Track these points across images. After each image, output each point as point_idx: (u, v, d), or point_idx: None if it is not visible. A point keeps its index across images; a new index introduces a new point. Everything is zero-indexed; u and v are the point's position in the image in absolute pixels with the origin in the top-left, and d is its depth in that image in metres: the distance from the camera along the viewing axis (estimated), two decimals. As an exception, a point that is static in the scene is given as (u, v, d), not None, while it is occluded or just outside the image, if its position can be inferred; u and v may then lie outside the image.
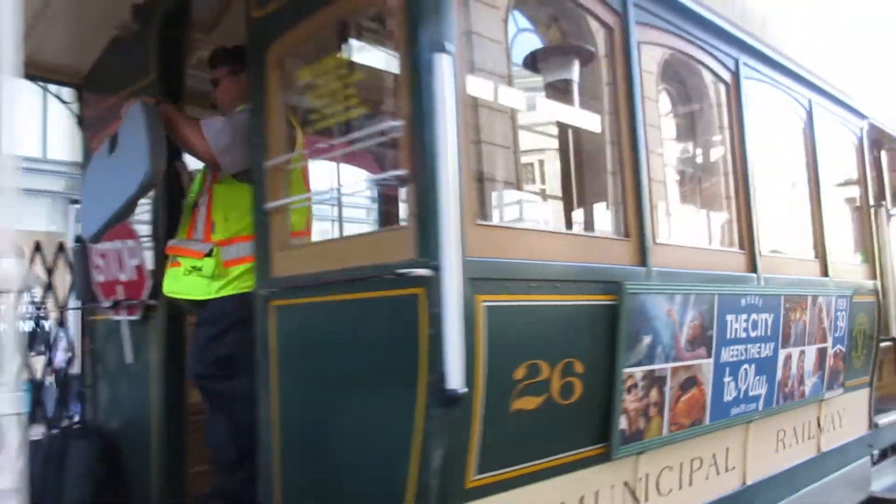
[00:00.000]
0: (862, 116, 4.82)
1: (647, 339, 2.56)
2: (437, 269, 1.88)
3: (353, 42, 2.64)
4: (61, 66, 3.62)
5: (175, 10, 3.12)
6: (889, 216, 5.14)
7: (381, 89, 2.68)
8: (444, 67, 1.88)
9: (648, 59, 2.83)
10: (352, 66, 2.44)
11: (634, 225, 2.63)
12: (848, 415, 4.33)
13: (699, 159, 3.60)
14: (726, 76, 3.35)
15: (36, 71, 3.56)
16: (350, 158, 3.57)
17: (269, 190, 2.47)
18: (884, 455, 4.93)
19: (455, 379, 1.82)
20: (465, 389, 1.85)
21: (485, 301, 1.98)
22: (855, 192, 4.82)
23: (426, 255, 1.94)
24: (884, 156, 5.30)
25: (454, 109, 1.90)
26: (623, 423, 2.48)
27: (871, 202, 4.81)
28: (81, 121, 3.74)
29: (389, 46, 2.36)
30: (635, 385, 2.52)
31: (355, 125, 2.35)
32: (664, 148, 3.01)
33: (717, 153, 3.40)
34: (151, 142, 2.57)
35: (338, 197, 4.44)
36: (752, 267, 3.29)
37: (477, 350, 1.93)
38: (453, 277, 1.84)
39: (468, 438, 1.98)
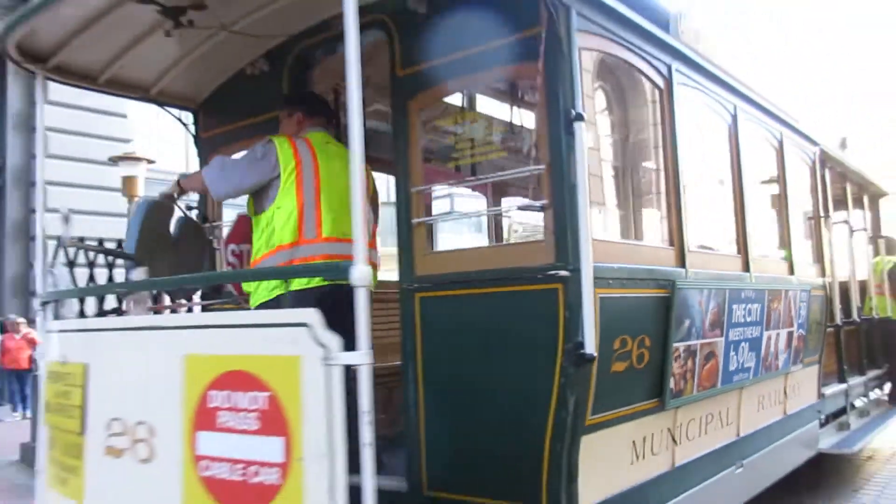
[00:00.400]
0: (815, 143, 5.91)
1: (686, 322, 3.48)
2: (574, 270, 2.72)
3: (489, 98, 3.44)
4: (183, 94, 4.27)
5: (305, 56, 3.85)
6: (832, 224, 6.26)
7: (512, 137, 3.50)
8: (582, 132, 2.72)
9: (686, 116, 3.73)
10: (489, 118, 3.25)
11: (677, 237, 3.54)
12: (803, 386, 5.38)
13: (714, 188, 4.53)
14: (772, 140, 4.33)
15: (161, 97, 4.22)
16: (478, 188, 4.37)
17: (414, 209, 3.26)
18: (827, 420, 6.04)
19: (590, 347, 2.67)
20: (595, 354, 2.70)
21: (600, 294, 2.83)
22: (809, 205, 5.90)
23: (563, 261, 2.77)
24: (827, 174, 6.38)
25: (585, 158, 2.75)
26: (671, 383, 3.39)
27: (822, 213, 5.91)
28: (197, 140, 4.42)
29: (523, 106, 3.17)
30: (679, 356, 3.43)
31: (487, 164, 3.17)
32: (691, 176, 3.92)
33: (725, 183, 4.34)
34: (138, 236, 3.53)
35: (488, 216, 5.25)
36: (746, 268, 4.26)
37: (596, 328, 2.77)
38: (588, 277, 2.69)
39: (588, 389, 2.83)
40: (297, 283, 3.18)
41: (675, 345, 3.37)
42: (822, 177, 6.00)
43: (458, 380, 3.05)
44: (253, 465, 2.26)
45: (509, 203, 5.10)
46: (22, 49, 3.45)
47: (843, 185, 7.05)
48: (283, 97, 3.79)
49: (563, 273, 2.76)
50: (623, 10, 3.13)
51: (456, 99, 3.36)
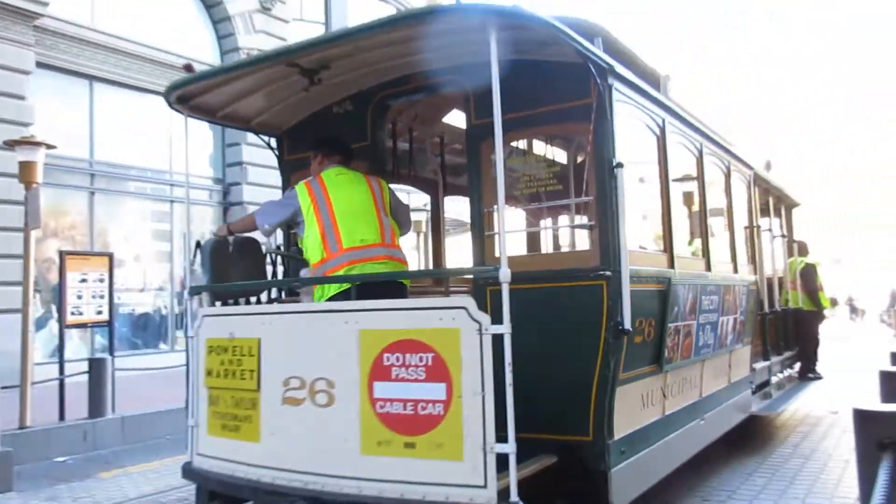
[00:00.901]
0: (750, 168, 7.38)
1: (676, 309, 4.75)
2: (615, 272, 3.91)
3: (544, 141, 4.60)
4: (273, 123, 5.25)
5: (385, 101, 4.91)
6: (761, 232, 7.77)
7: (561, 174, 4.68)
8: (622, 175, 3.93)
9: (673, 156, 5.01)
10: (547, 159, 4.42)
11: (668, 246, 4.80)
12: (741, 361, 6.81)
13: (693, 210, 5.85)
14: (723, 168, 5.68)
15: (257, 126, 5.19)
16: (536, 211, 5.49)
17: (486, 224, 4.38)
18: (756, 389, 7.50)
19: (628, 324, 3.86)
20: (631, 329, 3.90)
21: (630, 288, 4.02)
22: (745, 217, 7.34)
23: (606, 265, 3.96)
24: (756, 191, 7.86)
25: (624, 194, 3.95)
26: (666, 353, 4.65)
27: (754, 224, 7.38)
28: (281, 161, 5.39)
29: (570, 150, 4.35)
30: (671, 333, 4.69)
31: (546, 194, 4.34)
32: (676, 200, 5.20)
33: (694, 203, 5.66)
34: (211, 266, 4.68)
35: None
36: (709, 268, 5.59)
37: (627, 309, 3.97)
38: (626, 276, 3.89)
39: (622, 354, 4.02)
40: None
41: (669, 325, 4.64)
42: (754, 194, 7.47)
43: (524, 351, 4.15)
44: (421, 403, 3.33)
45: (545, 222, 6.38)
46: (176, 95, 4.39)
47: (767, 199, 8.60)
48: (312, 142, 4.82)
49: (608, 273, 3.95)
50: (642, 84, 4.35)
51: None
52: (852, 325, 30.67)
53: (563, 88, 4.13)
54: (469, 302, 3.30)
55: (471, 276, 4.93)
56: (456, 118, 5.68)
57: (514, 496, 3.17)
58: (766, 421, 7.72)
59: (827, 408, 8.56)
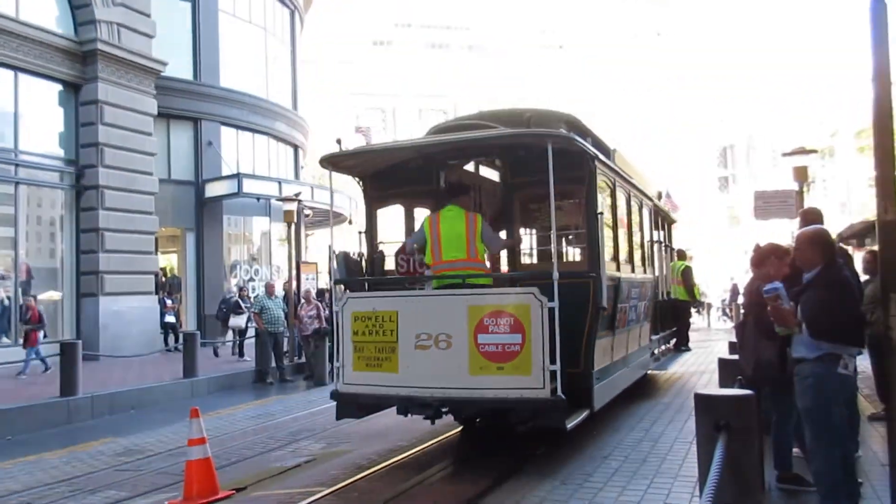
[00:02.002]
0: (652, 200, 10.61)
1: (623, 295, 7.73)
2: (597, 274, 6.78)
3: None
4: (363, 170, 7.76)
5: (447, 159, 7.57)
6: (654, 245, 11.03)
7: (563, 214, 7.55)
8: (602, 219, 6.84)
9: (619, 202, 8.03)
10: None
11: (616, 258, 7.79)
12: (645, 333, 9.95)
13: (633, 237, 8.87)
14: (639, 203, 8.79)
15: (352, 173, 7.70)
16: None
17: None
18: (651, 355, 10.76)
19: (604, 304, 6.75)
20: (607, 307, 6.82)
21: (606, 283, 6.93)
22: (649, 234, 10.56)
23: (594, 270, 6.82)
24: (654, 216, 11.11)
25: (602, 230, 6.87)
26: (616, 323, 7.61)
27: (653, 239, 10.62)
28: (366, 196, 7.92)
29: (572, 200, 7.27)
30: (619, 311, 7.67)
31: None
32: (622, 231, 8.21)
33: (637, 233, 8.74)
34: (341, 273, 7.25)
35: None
36: (633, 271, 8.65)
37: (604, 298, 6.86)
38: (604, 277, 6.80)
39: (598, 322, 6.85)
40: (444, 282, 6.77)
41: (619, 305, 7.60)
42: (652, 217, 10.71)
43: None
44: (507, 345, 5.97)
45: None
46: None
47: (658, 219, 11.91)
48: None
49: (593, 275, 6.81)
50: (606, 161, 7.30)
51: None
52: (697, 317, 34.63)
53: (565, 165, 6.88)
54: (535, 290, 6.02)
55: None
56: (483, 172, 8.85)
57: (559, 392, 5.91)
58: (656, 378, 11.04)
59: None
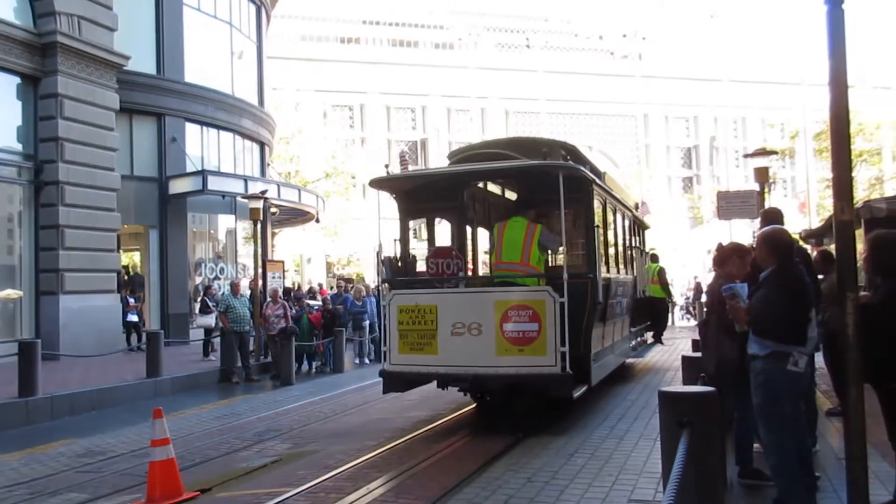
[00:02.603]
0: (632, 211, 11.12)
1: (612, 293, 8.39)
2: (594, 275, 7.49)
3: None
4: (397, 188, 8.93)
5: (471, 182, 8.94)
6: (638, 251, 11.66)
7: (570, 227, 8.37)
8: (598, 231, 7.77)
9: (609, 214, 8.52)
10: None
11: (607, 261, 8.27)
12: (626, 325, 10.58)
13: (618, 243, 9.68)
14: (622, 214, 9.67)
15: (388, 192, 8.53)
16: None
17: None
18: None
19: (600, 299, 7.40)
20: (602, 302, 7.34)
21: (601, 282, 7.37)
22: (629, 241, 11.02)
23: (591, 271, 7.54)
24: (633, 224, 11.57)
25: (598, 239, 7.70)
26: (607, 315, 8.33)
27: (633, 244, 11.16)
28: (400, 210, 9.06)
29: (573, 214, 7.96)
30: (609, 305, 8.28)
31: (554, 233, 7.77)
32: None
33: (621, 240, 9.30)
34: (387, 274, 8.58)
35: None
36: (619, 272, 9.07)
37: (601, 294, 7.33)
38: (600, 277, 7.39)
39: (595, 314, 7.69)
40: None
41: (609, 301, 8.30)
42: (632, 226, 11.39)
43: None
44: (526, 332, 7.27)
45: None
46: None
47: (635, 227, 12.52)
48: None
49: (591, 275, 7.48)
50: (600, 182, 8.24)
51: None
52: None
53: (569, 187, 7.57)
54: (549, 288, 7.35)
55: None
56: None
57: (567, 369, 7.16)
58: (635, 364, 11.71)
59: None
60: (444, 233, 10.46)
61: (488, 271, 8.96)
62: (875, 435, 3.96)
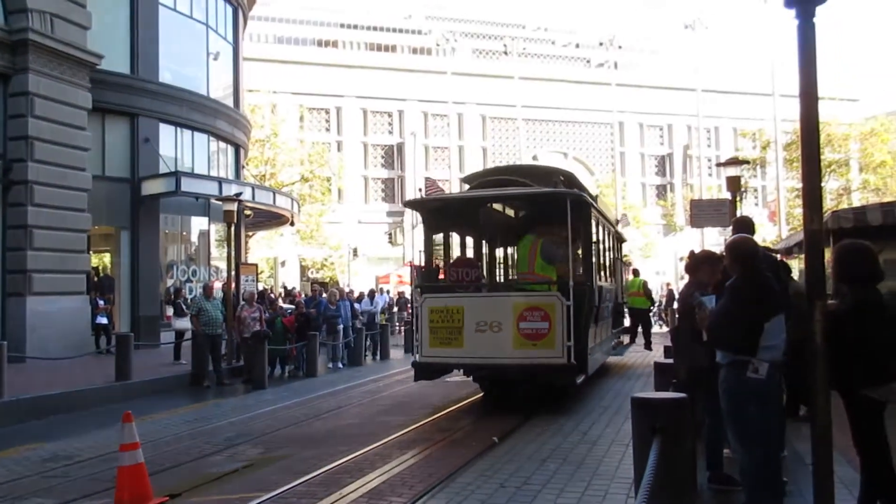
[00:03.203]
0: (613, 226, 11.73)
1: (600, 297, 9.14)
2: (591, 282, 8.98)
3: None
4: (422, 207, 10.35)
5: (485, 203, 10.15)
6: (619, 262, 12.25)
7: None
8: (595, 247, 8.77)
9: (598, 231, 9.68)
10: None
11: (597, 271, 8.84)
12: (609, 327, 11.50)
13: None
14: (608, 231, 10.81)
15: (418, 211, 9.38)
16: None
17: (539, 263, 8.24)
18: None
19: (597, 303, 8.75)
20: (598, 306, 8.39)
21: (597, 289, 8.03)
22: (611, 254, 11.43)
23: (589, 280, 9.25)
24: (615, 240, 12.08)
25: (593, 253, 8.72)
26: (598, 317, 9.03)
27: (615, 256, 11.65)
28: (426, 225, 10.44)
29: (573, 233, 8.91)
30: (599, 308, 9.11)
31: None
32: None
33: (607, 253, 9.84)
34: (420, 280, 10.31)
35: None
36: (605, 281, 9.44)
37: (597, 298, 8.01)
38: (596, 285, 8.74)
39: (592, 315, 8.90)
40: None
41: (599, 305, 9.04)
42: (614, 242, 12.05)
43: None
44: (538, 329, 8.62)
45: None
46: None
47: (615, 241, 13.25)
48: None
49: (589, 283, 8.35)
50: (594, 204, 9.45)
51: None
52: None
53: (571, 209, 8.83)
54: (558, 293, 8.63)
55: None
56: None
57: (572, 361, 8.48)
58: (616, 362, 12.34)
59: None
60: (463, 245, 11.89)
61: (502, 279, 11.82)
62: (841, 441, 4.02)
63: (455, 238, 11.72)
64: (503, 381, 9.52)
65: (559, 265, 9.17)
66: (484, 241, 11.94)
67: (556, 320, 8.38)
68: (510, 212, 11.66)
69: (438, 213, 10.37)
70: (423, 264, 10.10)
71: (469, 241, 11.69)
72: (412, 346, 19.62)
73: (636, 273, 17.41)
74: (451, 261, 10.71)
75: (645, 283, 16.86)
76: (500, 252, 12.87)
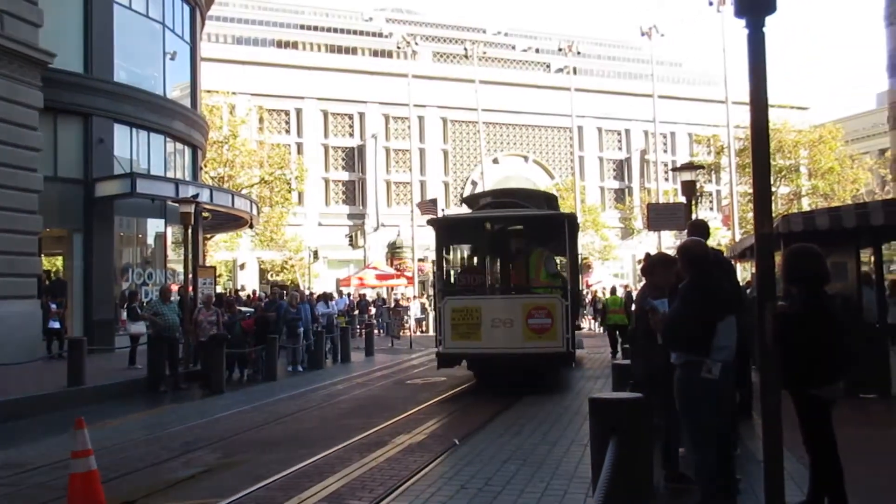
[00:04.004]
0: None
1: (580, 298, 9.10)
2: (576, 289, 9.71)
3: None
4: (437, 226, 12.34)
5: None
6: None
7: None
8: (581, 261, 8.43)
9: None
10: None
11: (584, 280, 9.07)
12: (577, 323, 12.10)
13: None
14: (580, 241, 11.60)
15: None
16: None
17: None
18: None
19: (583, 303, 9.29)
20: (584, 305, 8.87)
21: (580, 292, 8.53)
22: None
23: (576, 286, 10.48)
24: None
25: (580, 267, 9.15)
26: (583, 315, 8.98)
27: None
28: (438, 238, 12.19)
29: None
30: (584, 307, 9.36)
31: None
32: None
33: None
34: (439, 285, 12.19)
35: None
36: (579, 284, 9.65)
37: (580, 301, 8.62)
38: (579, 292, 8.22)
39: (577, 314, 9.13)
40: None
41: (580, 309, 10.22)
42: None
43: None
44: (543, 324, 10.86)
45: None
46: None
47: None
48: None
49: (578, 288, 9.14)
50: (576, 223, 10.88)
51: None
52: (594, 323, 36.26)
53: (559, 227, 11.60)
54: (559, 295, 11.02)
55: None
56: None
57: (570, 349, 11.03)
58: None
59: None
60: (472, 256, 14.01)
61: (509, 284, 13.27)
62: (790, 439, 4.14)
63: (466, 250, 14.08)
64: (513, 367, 11.09)
65: (559, 273, 11.57)
66: (490, 254, 13.79)
67: (558, 317, 10.57)
68: (513, 228, 13.25)
69: (455, 229, 12.81)
70: (443, 272, 12.13)
71: (477, 252, 13.82)
72: (371, 349, 19.70)
73: (613, 291, 16.85)
74: (462, 268, 13.29)
75: (626, 300, 16.41)
76: (501, 261, 14.21)
